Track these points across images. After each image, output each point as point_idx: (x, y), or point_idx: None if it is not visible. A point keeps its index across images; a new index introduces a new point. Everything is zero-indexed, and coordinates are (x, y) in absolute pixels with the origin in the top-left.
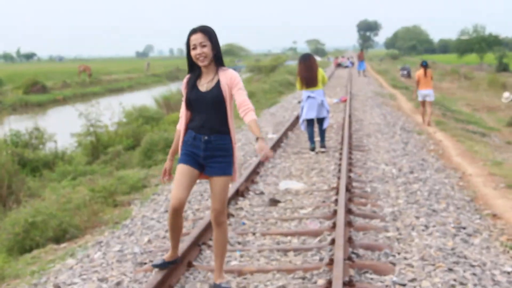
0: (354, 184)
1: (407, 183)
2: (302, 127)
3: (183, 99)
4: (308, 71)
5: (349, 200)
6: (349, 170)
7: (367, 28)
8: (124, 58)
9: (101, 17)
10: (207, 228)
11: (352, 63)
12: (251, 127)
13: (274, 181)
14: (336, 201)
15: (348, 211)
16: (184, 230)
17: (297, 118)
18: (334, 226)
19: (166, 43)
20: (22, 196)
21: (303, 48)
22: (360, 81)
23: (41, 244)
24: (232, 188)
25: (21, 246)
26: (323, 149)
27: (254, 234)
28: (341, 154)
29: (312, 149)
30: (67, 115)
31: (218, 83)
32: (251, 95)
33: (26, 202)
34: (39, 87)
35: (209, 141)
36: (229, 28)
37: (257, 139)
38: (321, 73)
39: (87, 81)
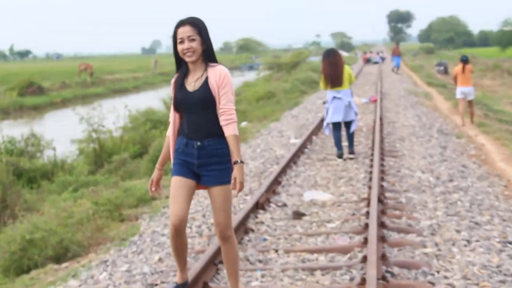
0: (387, 194)
1: (446, 193)
2: (326, 131)
3: (172, 101)
4: (333, 68)
5: (382, 212)
6: (381, 179)
7: (399, 20)
8: (129, 55)
9: (103, 9)
10: None
11: (382, 58)
12: (230, 143)
13: (298, 192)
14: (367, 213)
15: (381, 225)
16: (198, 247)
17: (322, 120)
18: (365, 242)
19: None
20: (18, 210)
21: (328, 42)
22: (391, 79)
23: (40, 263)
24: (251, 200)
25: (18, 266)
26: (351, 156)
27: (276, 251)
28: (371, 160)
29: (340, 156)
30: (66, 119)
31: (206, 81)
32: (270, 95)
33: (23, 217)
34: (35, 88)
35: (202, 147)
36: (245, 21)
37: (235, 162)
38: (348, 70)
39: (88, 81)
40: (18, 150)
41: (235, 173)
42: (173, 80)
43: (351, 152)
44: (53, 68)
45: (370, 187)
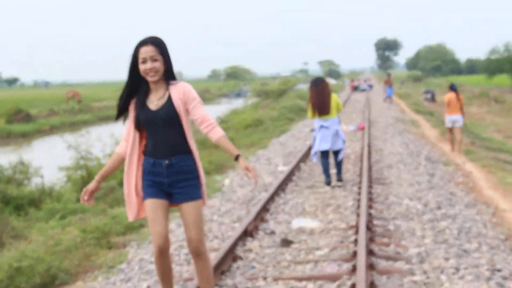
0: (375, 221)
1: (434, 220)
2: (314, 159)
3: (130, 120)
4: (320, 97)
5: (370, 239)
6: (369, 206)
7: (386, 47)
8: (116, 83)
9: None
10: (214, 272)
11: (370, 86)
12: (223, 144)
13: (286, 219)
14: (355, 241)
15: (370, 252)
16: (187, 275)
17: (310, 148)
18: (354, 269)
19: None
20: (6, 238)
21: (315, 70)
22: (379, 107)
23: None
24: (239, 228)
25: None
26: (339, 183)
27: (265, 278)
28: (360, 188)
29: (328, 183)
30: (54, 146)
31: (169, 99)
32: (258, 123)
33: (10, 244)
34: (23, 115)
35: (171, 165)
36: (233, 49)
37: (236, 157)
38: (335, 99)
39: (76, 108)
40: (6, 177)
41: (244, 163)
42: (133, 102)
43: (339, 179)
44: (41, 96)
45: (358, 215)
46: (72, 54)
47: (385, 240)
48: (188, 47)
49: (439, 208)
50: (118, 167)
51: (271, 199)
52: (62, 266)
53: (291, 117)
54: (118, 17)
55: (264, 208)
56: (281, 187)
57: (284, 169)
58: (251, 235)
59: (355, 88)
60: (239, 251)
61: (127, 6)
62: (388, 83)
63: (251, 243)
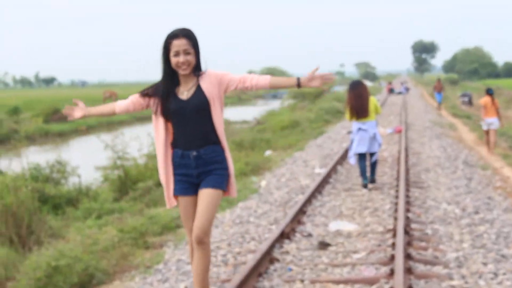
0: (413, 225)
1: (472, 225)
2: (350, 160)
3: (142, 92)
4: (358, 100)
5: (408, 243)
6: (407, 210)
7: (423, 50)
8: (152, 83)
9: (126, 37)
10: (251, 274)
11: (407, 89)
12: (278, 81)
13: (323, 222)
14: (393, 244)
15: (407, 256)
16: (224, 276)
17: (347, 150)
18: (392, 273)
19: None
20: (44, 237)
21: (352, 72)
22: (416, 110)
23: None
24: (276, 230)
25: None
26: (372, 184)
27: (302, 281)
28: (397, 191)
29: (365, 186)
30: (91, 145)
31: (199, 88)
32: (295, 125)
33: (48, 243)
34: (60, 115)
35: (199, 156)
36: (269, 50)
37: (298, 84)
38: (374, 102)
39: None
40: (44, 176)
41: (313, 74)
42: (154, 87)
43: (372, 181)
44: (78, 95)
45: (396, 218)
46: (109, 54)
47: (423, 244)
48: (225, 48)
49: (477, 212)
50: (105, 114)
51: (308, 201)
52: (100, 265)
53: (328, 119)
54: (155, 17)
55: (301, 211)
56: (318, 189)
57: (321, 171)
58: (288, 237)
59: (391, 91)
60: (276, 253)
61: (165, 7)
62: (438, 88)
63: (288, 246)
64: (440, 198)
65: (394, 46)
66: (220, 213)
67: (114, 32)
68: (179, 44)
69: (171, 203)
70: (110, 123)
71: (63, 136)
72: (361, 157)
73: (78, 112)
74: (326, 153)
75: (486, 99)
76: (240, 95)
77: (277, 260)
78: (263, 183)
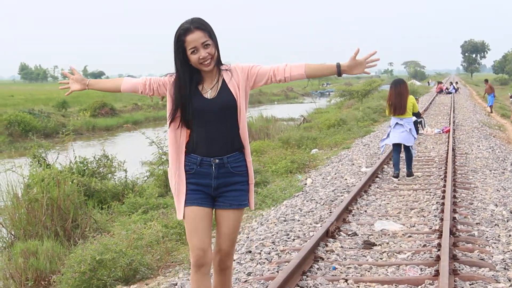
0: (459, 226)
1: None
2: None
3: (162, 79)
4: (398, 97)
5: (454, 245)
6: (453, 211)
7: (473, 50)
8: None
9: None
10: (295, 272)
11: (456, 89)
12: (315, 68)
13: (368, 221)
14: (438, 245)
15: (453, 257)
16: (268, 274)
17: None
18: (437, 274)
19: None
20: (89, 231)
21: (400, 70)
22: (464, 110)
23: (109, 284)
24: (321, 228)
25: (87, 286)
26: (409, 177)
27: (346, 280)
28: (443, 192)
29: (396, 176)
30: (137, 140)
31: (224, 84)
32: (341, 123)
33: (93, 237)
34: (108, 109)
35: (221, 164)
36: (315, 47)
37: (338, 71)
38: (412, 100)
39: (160, 103)
40: (90, 170)
41: (354, 58)
42: (170, 81)
43: (409, 174)
44: None
45: (442, 219)
46: (155, 49)
47: (469, 245)
48: (268, 44)
49: None
50: (109, 90)
51: (353, 200)
52: (144, 260)
53: (375, 118)
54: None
55: (346, 209)
56: (364, 188)
57: (367, 170)
58: (333, 236)
59: (440, 91)
60: (321, 251)
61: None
62: (489, 90)
63: (333, 244)
64: (488, 200)
65: (444, 45)
66: (265, 210)
67: (161, 28)
68: (194, 38)
69: (183, 213)
70: (157, 118)
71: (110, 131)
72: (396, 149)
73: (75, 84)
74: (372, 152)
75: None
76: (288, 93)
77: (321, 258)
78: (309, 181)
